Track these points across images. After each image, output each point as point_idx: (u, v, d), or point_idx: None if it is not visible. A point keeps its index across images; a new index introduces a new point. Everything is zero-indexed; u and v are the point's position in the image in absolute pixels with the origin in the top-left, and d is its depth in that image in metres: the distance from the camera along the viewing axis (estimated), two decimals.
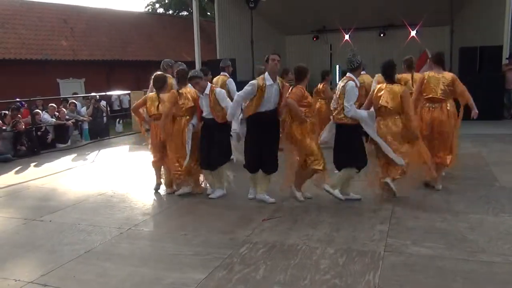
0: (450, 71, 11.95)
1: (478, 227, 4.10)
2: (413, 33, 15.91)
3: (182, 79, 5.52)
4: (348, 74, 4.90)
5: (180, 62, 6.57)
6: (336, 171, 5.12)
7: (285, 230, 4.24)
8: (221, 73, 7.37)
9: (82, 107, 12.44)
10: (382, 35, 18.06)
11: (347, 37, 17.45)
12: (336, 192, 4.94)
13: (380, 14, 16.28)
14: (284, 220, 4.52)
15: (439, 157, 5.37)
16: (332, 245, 3.82)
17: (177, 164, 5.44)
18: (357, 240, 3.90)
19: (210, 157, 5.28)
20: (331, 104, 5.16)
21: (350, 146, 4.89)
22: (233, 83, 7.15)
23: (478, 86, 10.63)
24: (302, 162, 5.04)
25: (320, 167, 4.93)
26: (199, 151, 5.39)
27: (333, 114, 4.98)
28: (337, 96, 4.89)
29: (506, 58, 11.57)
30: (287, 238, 4.02)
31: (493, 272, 3.23)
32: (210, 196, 5.43)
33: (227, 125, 5.28)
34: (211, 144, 5.26)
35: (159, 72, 5.83)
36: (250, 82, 5.02)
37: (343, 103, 4.76)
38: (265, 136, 4.98)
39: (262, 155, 5.03)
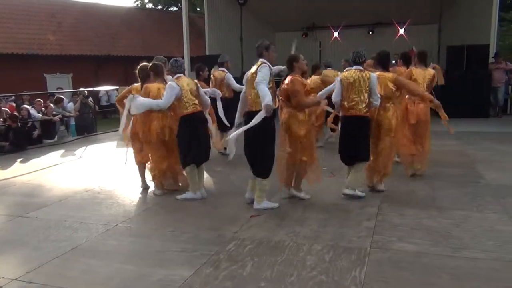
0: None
1: (463, 223, 4.15)
2: (401, 31, 16.01)
3: (157, 74, 5.37)
4: (356, 67, 4.92)
5: (175, 58, 6.54)
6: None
7: (273, 226, 4.25)
8: (219, 68, 7.51)
9: (69, 102, 12.32)
10: (371, 32, 18.12)
11: (336, 34, 17.49)
12: (359, 193, 5.01)
13: (368, 12, 16.32)
14: (272, 216, 4.53)
15: (420, 148, 5.83)
16: (319, 241, 3.84)
17: (153, 164, 5.43)
18: (344, 237, 3.93)
19: (201, 153, 5.15)
20: (336, 99, 5.01)
21: (368, 139, 4.99)
22: (232, 78, 7.38)
23: (465, 84, 10.81)
24: (294, 154, 4.80)
25: (312, 159, 4.84)
26: (185, 148, 5.11)
27: (347, 108, 4.90)
28: (354, 89, 4.83)
29: (492, 57, 11.72)
30: (274, 235, 4.03)
31: (477, 268, 3.27)
32: (177, 197, 5.25)
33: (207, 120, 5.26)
34: (199, 140, 5.09)
35: (144, 63, 5.71)
36: (264, 67, 4.51)
37: (365, 96, 4.80)
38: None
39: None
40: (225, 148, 7.64)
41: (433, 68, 6.23)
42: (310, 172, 4.93)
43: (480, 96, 11.16)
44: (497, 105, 11.91)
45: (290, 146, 4.76)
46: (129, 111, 5.14)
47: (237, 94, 7.66)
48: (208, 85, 7.28)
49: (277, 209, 4.74)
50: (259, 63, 4.59)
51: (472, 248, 3.59)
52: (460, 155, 7.20)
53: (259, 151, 4.63)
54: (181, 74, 5.17)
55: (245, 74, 4.80)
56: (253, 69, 4.61)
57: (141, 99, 4.98)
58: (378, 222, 4.27)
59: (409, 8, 14.30)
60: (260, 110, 4.38)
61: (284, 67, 5.11)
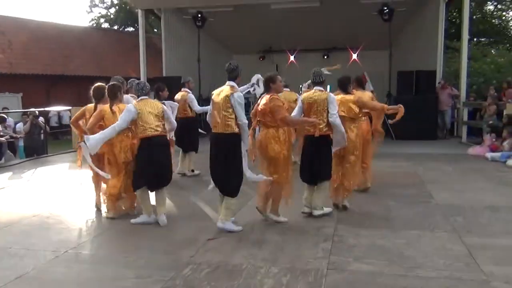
0: (389, 92, 12.59)
1: (415, 243, 4.27)
2: (354, 56, 16.61)
3: (113, 95, 5.25)
4: (316, 88, 5.04)
5: (133, 79, 6.47)
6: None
7: (230, 249, 4.20)
8: (182, 89, 7.70)
9: (18, 123, 11.82)
10: (326, 57, 18.70)
11: (292, 58, 17.91)
12: (327, 210, 5.16)
13: (323, 37, 16.91)
14: (229, 239, 4.48)
15: (366, 164, 6.16)
16: (276, 264, 3.82)
17: (107, 186, 5.29)
18: (301, 259, 3.93)
19: (159, 176, 5.02)
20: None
21: (330, 157, 5.10)
22: (194, 98, 7.64)
23: (414, 107, 11.25)
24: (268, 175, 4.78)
25: (286, 180, 4.82)
26: (138, 171, 5.01)
27: (309, 128, 4.98)
28: (314, 109, 4.93)
29: (439, 82, 12.36)
30: (231, 258, 3.98)
31: (429, 287, 3.35)
32: (132, 221, 5.10)
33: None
34: (154, 164, 4.95)
35: (99, 83, 5.57)
36: (240, 96, 4.58)
37: (324, 116, 4.88)
38: None
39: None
40: (192, 170, 7.65)
41: (371, 92, 6.76)
42: (284, 193, 4.89)
43: (429, 119, 11.69)
44: (445, 127, 12.51)
45: (266, 168, 4.77)
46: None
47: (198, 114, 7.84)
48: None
49: (234, 233, 4.68)
50: (229, 87, 4.60)
51: (425, 267, 3.69)
52: (411, 175, 7.46)
53: (228, 170, 4.60)
54: (146, 97, 5.09)
55: (212, 94, 4.77)
56: (224, 92, 4.59)
57: (94, 138, 4.78)
58: (334, 243, 4.31)
59: (361, 35, 14.91)
60: (230, 133, 4.50)
61: (255, 80, 5.24)
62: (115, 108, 5.19)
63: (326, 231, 4.67)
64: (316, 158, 4.99)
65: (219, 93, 4.67)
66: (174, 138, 6.62)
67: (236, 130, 4.55)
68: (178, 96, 7.63)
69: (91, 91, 5.47)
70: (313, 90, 5.09)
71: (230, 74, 4.69)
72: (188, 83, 7.76)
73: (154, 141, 4.93)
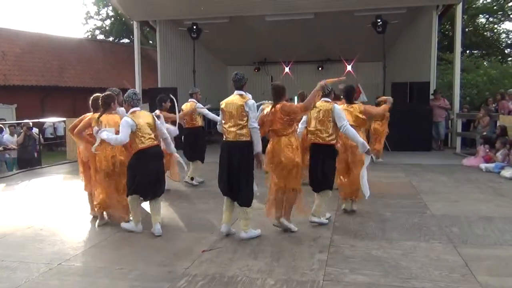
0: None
1: (411, 253, 4.26)
2: (349, 67, 16.72)
3: (106, 105, 5.28)
4: (324, 99, 5.16)
5: (134, 91, 6.50)
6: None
7: (225, 261, 4.17)
8: (189, 100, 7.82)
9: (13, 135, 11.75)
10: (320, 68, 18.83)
11: (287, 69, 18.01)
12: (324, 220, 5.23)
13: (318, 49, 17.05)
14: (225, 250, 4.46)
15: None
16: (272, 275, 3.80)
17: (96, 195, 5.35)
18: (297, 270, 3.91)
19: (155, 186, 5.05)
20: (302, 129, 5.31)
21: (334, 167, 5.21)
22: (203, 106, 7.83)
23: (408, 119, 11.35)
24: (281, 184, 4.85)
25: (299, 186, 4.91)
26: (131, 179, 5.02)
27: (314, 137, 5.14)
28: (319, 119, 5.06)
29: (432, 94, 12.45)
30: (227, 270, 3.95)
31: None
32: (121, 225, 5.20)
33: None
34: (146, 174, 4.98)
35: (97, 94, 5.58)
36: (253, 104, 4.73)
37: (328, 126, 5.03)
38: None
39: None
40: (192, 178, 7.67)
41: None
42: (298, 201, 4.96)
43: (423, 130, 11.74)
44: (439, 138, 12.57)
45: (278, 175, 4.82)
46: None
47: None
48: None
49: (230, 243, 4.67)
50: (239, 96, 4.72)
51: (421, 278, 3.68)
52: (406, 186, 7.47)
53: (242, 178, 4.66)
54: (138, 108, 5.15)
55: (221, 104, 4.84)
56: (236, 101, 4.70)
57: (104, 135, 4.94)
58: (330, 254, 4.29)
59: (355, 47, 15.04)
60: (244, 141, 4.61)
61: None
62: (102, 118, 5.20)
63: (322, 241, 4.65)
64: (320, 166, 5.08)
65: (230, 103, 4.76)
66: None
67: (249, 138, 4.65)
68: (185, 106, 7.73)
69: (90, 102, 5.56)
70: (320, 101, 5.19)
71: (237, 84, 4.81)
72: (196, 94, 7.93)
73: (151, 151, 4.99)
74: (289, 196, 4.89)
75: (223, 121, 4.81)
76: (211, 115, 7.57)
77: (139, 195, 5.08)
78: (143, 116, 5.06)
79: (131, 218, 5.25)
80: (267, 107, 4.99)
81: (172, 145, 5.55)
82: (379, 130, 9.41)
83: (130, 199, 5.08)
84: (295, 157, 4.76)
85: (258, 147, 4.66)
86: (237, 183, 4.68)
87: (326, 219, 5.31)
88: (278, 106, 4.82)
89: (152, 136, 5.04)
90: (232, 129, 4.67)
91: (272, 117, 4.82)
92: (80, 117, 5.70)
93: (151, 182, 4.99)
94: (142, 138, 4.95)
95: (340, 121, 4.98)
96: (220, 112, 4.89)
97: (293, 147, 4.78)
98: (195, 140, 7.81)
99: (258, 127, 4.68)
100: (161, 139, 5.35)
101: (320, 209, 5.20)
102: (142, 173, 4.93)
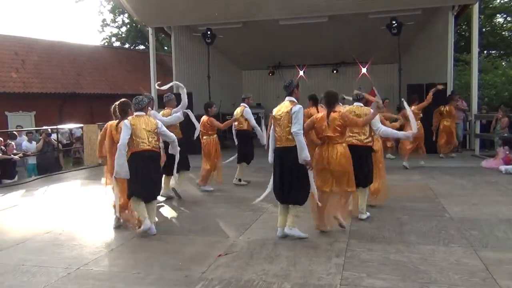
0: (399, 105, 12.50)
1: (430, 257, 4.20)
2: (364, 70, 16.62)
3: (124, 112, 5.45)
4: (356, 103, 5.68)
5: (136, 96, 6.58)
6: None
7: (242, 265, 4.16)
8: (241, 104, 8.26)
9: (31, 141, 11.95)
10: (335, 71, 18.76)
11: (301, 73, 17.97)
12: (369, 214, 5.61)
13: (332, 52, 16.99)
14: (241, 255, 4.45)
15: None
16: (288, 279, 3.78)
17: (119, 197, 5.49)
18: (313, 274, 3.88)
19: (149, 189, 5.27)
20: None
21: (371, 166, 5.58)
22: (250, 113, 8.13)
23: (425, 121, 11.19)
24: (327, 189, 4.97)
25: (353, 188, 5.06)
26: (130, 182, 5.22)
27: (352, 139, 5.41)
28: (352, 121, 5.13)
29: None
30: (243, 274, 3.94)
31: None
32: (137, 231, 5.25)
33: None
34: (142, 176, 5.19)
35: (123, 99, 5.71)
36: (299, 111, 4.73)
37: (365, 129, 5.43)
38: None
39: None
40: (239, 180, 8.17)
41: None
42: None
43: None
44: (457, 140, 12.35)
45: (337, 182, 4.94)
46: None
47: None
48: (218, 120, 8.29)
49: (246, 247, 4.67)
50: (289, 102, 4.85)
51: (440, 283, 3.62)
52: (424, 189, 7.37)
53: (296, 180, 4.75)
54: (142, 113, 5.36)
55: (273, 112, 5.03)
56: (284, 107, 4.82)
57: (119, 169, 5.12)
58: (347, 258, 4.26)
59: (369, 50, 14.95)
60: (294, 146, 4.65)
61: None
62: (121, 124, 5.32)
63: (338, 245, 4.61)
64: (359, 167, 5.20)
65: (280, 109, 4.90)
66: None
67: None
68: (237, 110, 8.25)
69: (112, 109, 5.75)
70: (354, 105, 5.65)
71: (287, 90, 4.94)
72: (248, 99, 8.29)
73: (143, 155, 5.19)
74: (348, 198, 5.17)
75: (276, 128, 4.92)
76: (253, 122, 7.99)
77: (139, 197, 5.24)
78: (144, 121, 5.28)
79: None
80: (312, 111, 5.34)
81: (178, 149, 5.75)
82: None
83: (131, 201, 5.30)
84: (350, 164, 4.94)
85: (302, 153, 4.61)
86: (288, 185, 4.78)
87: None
88: (335, 114, 4.92)
89: (147, 141, 5.21)
90: (283, 134, 4.80)
91: (327, 124, 4.91)
92: (104, 131, 5.83)
93: (144, 185, 5.19)
94: (135, 142, 5.17)
95: (376, 125, 5.34)
96: (270, 119, 5.19)
97: (347, 156, 4.92)
98: (239, 142, 8.19)
99: (301, 133, 4.65)
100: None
101: (363, 204, 5.56)
102: (135, 175, 5.15)
